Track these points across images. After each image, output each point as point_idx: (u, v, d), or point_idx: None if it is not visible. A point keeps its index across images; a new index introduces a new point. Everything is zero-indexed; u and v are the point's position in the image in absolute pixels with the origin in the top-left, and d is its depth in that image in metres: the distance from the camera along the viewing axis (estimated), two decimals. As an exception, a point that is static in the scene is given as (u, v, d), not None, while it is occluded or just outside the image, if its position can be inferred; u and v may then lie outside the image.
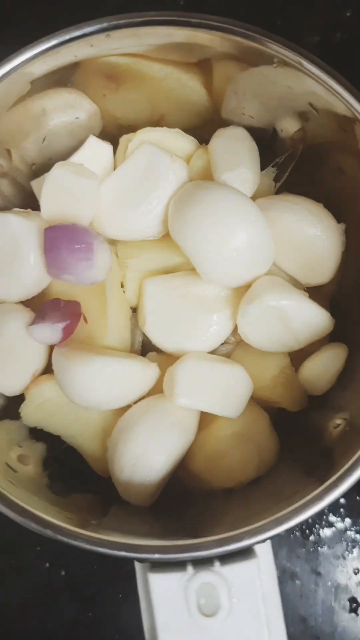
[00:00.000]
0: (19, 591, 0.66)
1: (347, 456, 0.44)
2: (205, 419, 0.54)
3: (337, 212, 0.56)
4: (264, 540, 0.42)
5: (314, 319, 0.53)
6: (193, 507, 0.54)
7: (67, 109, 0.57)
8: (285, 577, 0.67)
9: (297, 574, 0.67)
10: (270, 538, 0.42)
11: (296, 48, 0.48)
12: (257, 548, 0.45)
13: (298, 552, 0.67)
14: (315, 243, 0.54)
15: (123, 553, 0.42)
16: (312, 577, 0.67)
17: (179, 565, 0.44)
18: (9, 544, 0.67)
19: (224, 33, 0.48)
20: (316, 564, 0.67)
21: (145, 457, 0.51)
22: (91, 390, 0.51)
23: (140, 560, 0.45)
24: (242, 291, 0.54)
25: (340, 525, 0.67)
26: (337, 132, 0.52)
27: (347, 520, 0.67)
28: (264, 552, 0.46)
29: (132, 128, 0.59)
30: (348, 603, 0.66)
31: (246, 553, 0.44)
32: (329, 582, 0.66)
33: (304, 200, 0.55)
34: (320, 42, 0.80)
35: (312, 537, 0.67)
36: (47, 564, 0.67)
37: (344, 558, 0.67)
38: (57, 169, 0.52)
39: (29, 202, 0.59)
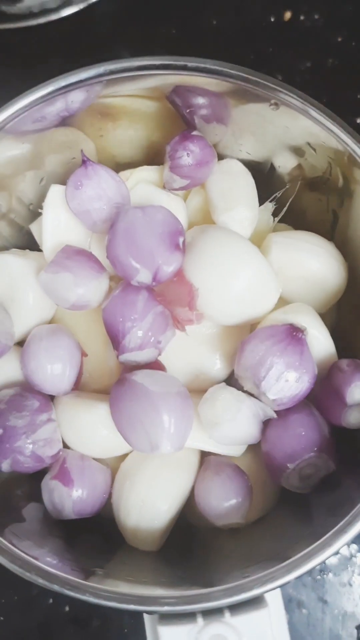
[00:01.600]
0: (22, 627, 0.66)
1: (351, 505, 0.44)
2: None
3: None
4: (274, 589, 0.41)
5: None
6: (200, 547, 0.53)
7: (64, 150, 0.57)
8: (292, 606, 0.66)
9: (303, 602, 0.67)
10: (281, 586, 0.42)
11: (293, 90, 0.48)
12: (268, 595, 0.45)
13: (304, 580, 0.67)
14: (319, 276, 0.54)
15: (132, 606, 0.41)
16: (319, 605, 0.66)
17: (189, 616, 0.43)
18: (12, 579, 0.66)
19: (220, 77, 0.48)
20: (322, 591, 0.67)
21: (151, 500, 0.51)
22: (96, 438, 0.51)
23: (150, 612, 0.45)
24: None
25: (345, 552, 0.67)
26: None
27: (353, 547, 0.67)
28: (275, 599, 0.45)
29: (129, 165, 0.60)
30: (355, 631, 0.66)
31: (257, 602, 0.44)
32: (336, 610, 0.66)
33: (311, 236, 0.55)
34: (312, 68, 0.80)
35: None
36: (51, 600, 0.66)
37: (351, 585, 0.67)
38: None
39: (27, 242, 0.59)
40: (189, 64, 0.48)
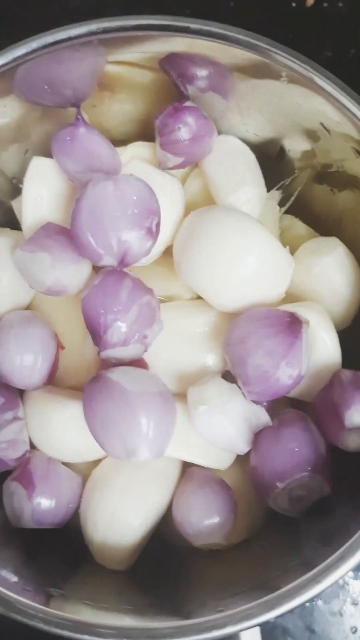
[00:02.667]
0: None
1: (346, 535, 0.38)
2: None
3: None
4: (250, 627, 0.36)
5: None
6: (174, 569, 0.48)
7: (52, 119, 0.52)
8: (276, 634, 0.61)
9: (289, 630, 0.61)
10: (259, 625, 0.36)
11: (307, 61, 0.43)
12: (243, 633, 0.39)
13: (291, 606, 0.61)
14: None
15: (86, 637, 0.36)
16: (306, 634, 0.60)
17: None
18: None
19: (226, 42, 0.43)
20: (311, 620, 0.61)
21: (122, 513, 0.46)
22: (65, 440, 0.46)
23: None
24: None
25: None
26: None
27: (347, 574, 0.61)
28: (252, 636, 0.40)
29: (125, 142, 0.54)
30: (344, 665, 0.60)
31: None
32: (324, 642, 0.60)
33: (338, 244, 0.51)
34: (333, 58, 0.75)
35: (306, 591, 0.61)
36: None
37: (342, 615, 0.61)
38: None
39: (9, 220, 0.54)
40: (192, 26, 0.43)
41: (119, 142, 0.54)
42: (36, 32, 0.44)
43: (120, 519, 0.46)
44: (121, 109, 0.54)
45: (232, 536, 0.47)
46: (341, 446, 0.44)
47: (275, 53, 0.43)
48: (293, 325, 0.44)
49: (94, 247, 0.44)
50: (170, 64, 0.48)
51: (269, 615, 0.37)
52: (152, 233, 0.45)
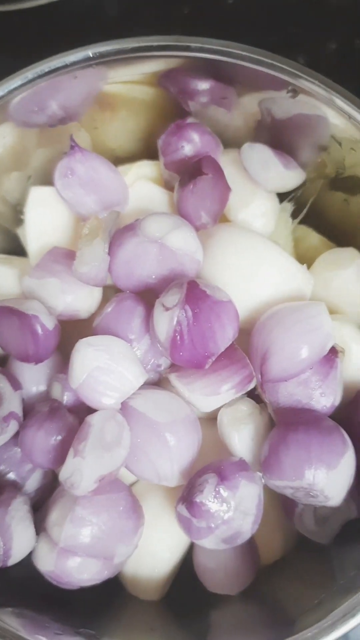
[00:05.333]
0: None
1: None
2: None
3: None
4: None
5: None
6: (207, 597, 0.47)
7: (54, 143, 0.50)
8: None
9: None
10: None
11: (314, 75, 0.41)
12: None
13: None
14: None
15: None
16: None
17: None
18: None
19: (230, 59, 0.41)
20: None
21: (152, 546, 0.45)
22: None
23: None
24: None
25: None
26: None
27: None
28: None
29: (130, 159, 0.53)
30: None
31: None
32: None
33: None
34: (338, 50, 0.73)
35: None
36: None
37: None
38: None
39: (15, 247, 0.53)
40: (192, 45, 0.41)
41: (125, 159, 0.53)
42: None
43: (150, 552, 0.45)
44: (124, 127, 0.53)
45: (265, 558, 0.47)
46: None
47: (280, 68, 0.41)
48: (329, 354, 0.43)
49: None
50: (170, 80, 0.46)
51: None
52: None
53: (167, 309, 0.41)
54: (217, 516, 0.39)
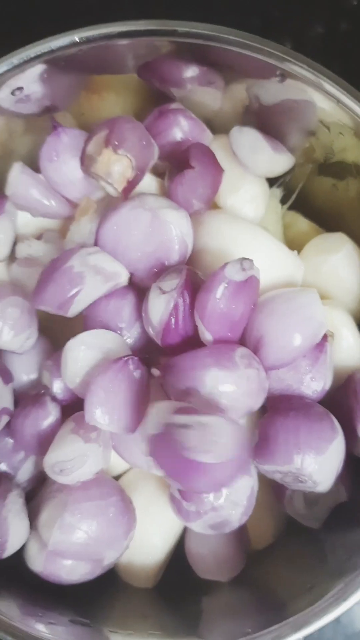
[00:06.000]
0: None
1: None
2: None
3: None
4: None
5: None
6: (199, 584, 0.47)
7: (42, 130, 0.50)
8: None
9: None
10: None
11: (302, 58, 0.41)
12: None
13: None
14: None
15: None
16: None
17: None
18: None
19: (217, 43, 0.41)
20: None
21: (144, 533, 0.45)
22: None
23: None
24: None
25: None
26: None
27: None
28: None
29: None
30: None
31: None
32: None
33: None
34: (324, 34, 0.72)
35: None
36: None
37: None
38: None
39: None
40: (180, 29, 0.41)
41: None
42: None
43: (142, 539, 0.45)
44: (111, 112, 0.52)
45: (257, 542, 0.47)
46: (356, 454, 0.43)
47: (268, 53, 0.41)
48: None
49: None
50: (151, 72, 0.46)
51: (298, 636, 0.36)
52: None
53: (163, 293, 0.41)
54: (207, 502, 0.39)
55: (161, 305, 0.41)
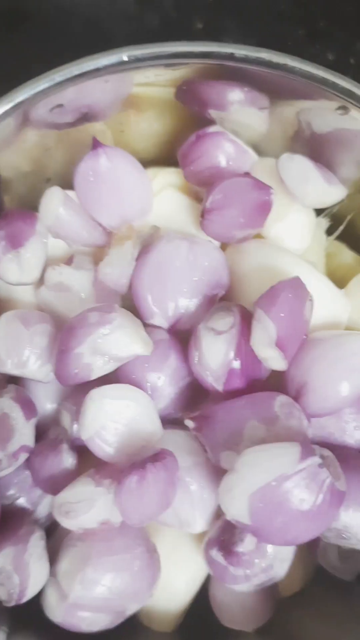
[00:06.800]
0: None
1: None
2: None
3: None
4: None
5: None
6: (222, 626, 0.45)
7: (77, 146, 0.47)
8: None
9: None
10: None
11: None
12: None
13: None
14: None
15: None
16: None
17: None
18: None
19: (275, 71, 0.38)
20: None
21: (168, 578, 0.43)
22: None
23: None
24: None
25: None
26: None
27: None
28: None
29: (155, 162, 0.50)
30: None
31: None
32: None
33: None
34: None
35: None
36: None
37: None
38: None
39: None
40: (237, 53, 0.38)
41: (150, 162, 0.50)
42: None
43: (166, 583, 0.43)
44: (149, 128, 0.50)
45: (284, 589, 0.45)
46: None
47: (334, 82, 0.38)
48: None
49: (149, 304, 0.41)
50: (190, 94, 0.43)
51: None
52: (213, 304, 0.42)
53: (219, 333, 0.38)
54: (257, 565, 0.37)
55: (221, 347, 0.38)
